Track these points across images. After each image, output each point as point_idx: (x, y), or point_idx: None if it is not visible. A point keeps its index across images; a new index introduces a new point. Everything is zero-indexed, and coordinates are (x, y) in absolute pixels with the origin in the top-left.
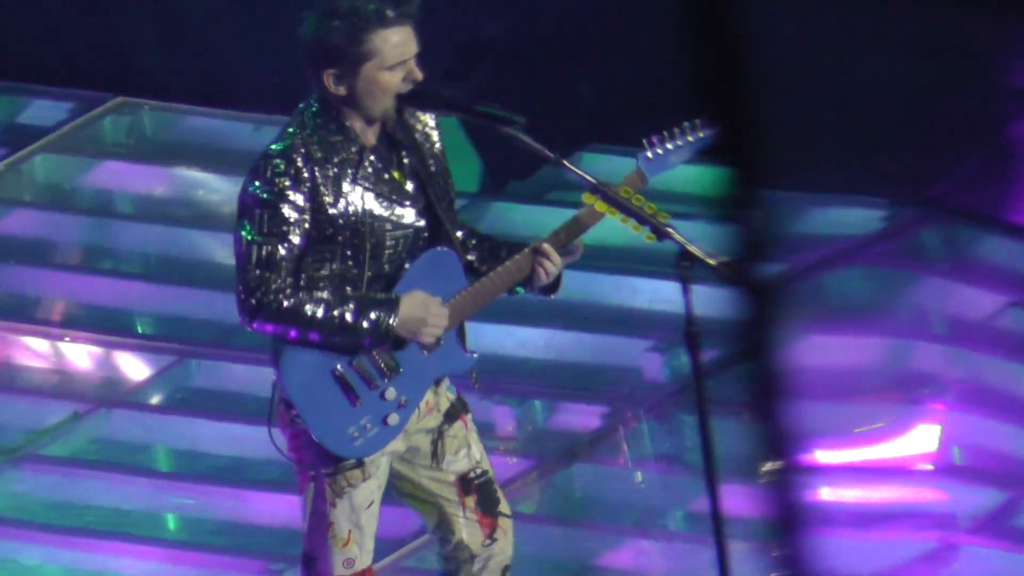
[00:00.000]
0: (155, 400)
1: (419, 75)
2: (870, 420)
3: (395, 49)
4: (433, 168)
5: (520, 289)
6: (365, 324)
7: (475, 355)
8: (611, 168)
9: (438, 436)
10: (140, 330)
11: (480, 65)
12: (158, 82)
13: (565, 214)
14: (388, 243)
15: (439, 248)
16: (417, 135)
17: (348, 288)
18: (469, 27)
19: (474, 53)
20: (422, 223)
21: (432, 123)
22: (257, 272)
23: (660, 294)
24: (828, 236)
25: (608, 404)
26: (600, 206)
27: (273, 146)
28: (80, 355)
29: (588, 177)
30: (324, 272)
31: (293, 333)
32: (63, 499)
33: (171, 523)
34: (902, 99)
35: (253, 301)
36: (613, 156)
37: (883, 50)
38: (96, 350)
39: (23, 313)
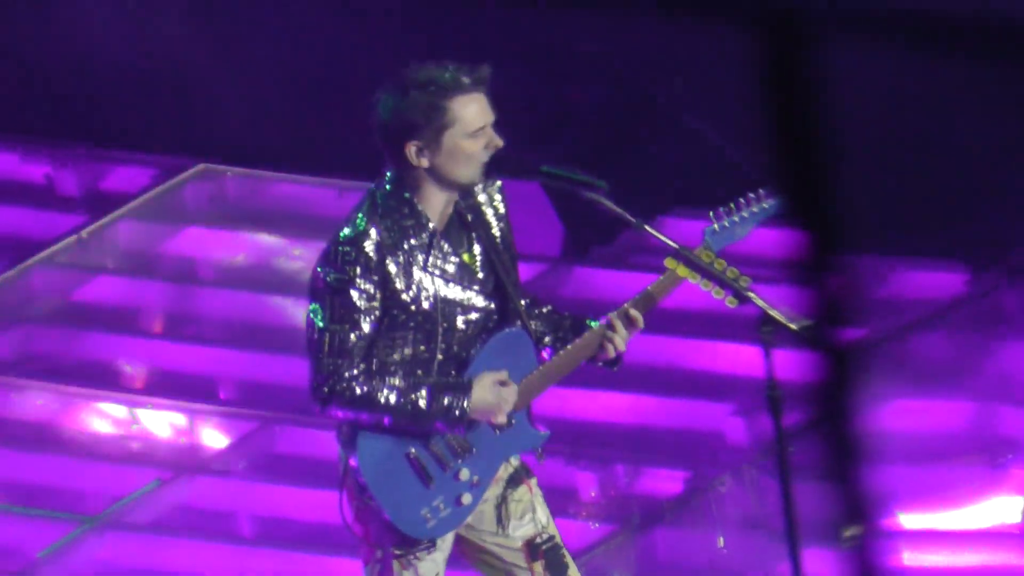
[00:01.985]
0: (238, 467)
1: (499, 141)
2: (954, 485)
3: (475, 115)
4: (500, 243)
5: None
6: (438, 409)
7: (546, 432)
8: (692, 232)
9: (502, 501)
10: (223, 397)
11: (563, 131)
12: (240, 148)
13: (647, 279)
14: (459, 326)
15: (509, 329)
16: (485, 209)
17: (420, 371)
18: (552, 93)
19: (557, 119)
20: (492, 304)
21: (498, 194)
22: (329, 360)
23: (742, 358)
24: (910, 300)
25: (690, 468)
26: (682, 271)
27: (344, 231)
28: (162, 422)
29: (670, 242)
30: (396, 356)
31: (366, 418)
32: (146, 567)
33: None
34: (984, 163)
35: (326, 389)
36: (695, 220)
37: (966, 114)
38: (179, 417)
39: (106, 380)
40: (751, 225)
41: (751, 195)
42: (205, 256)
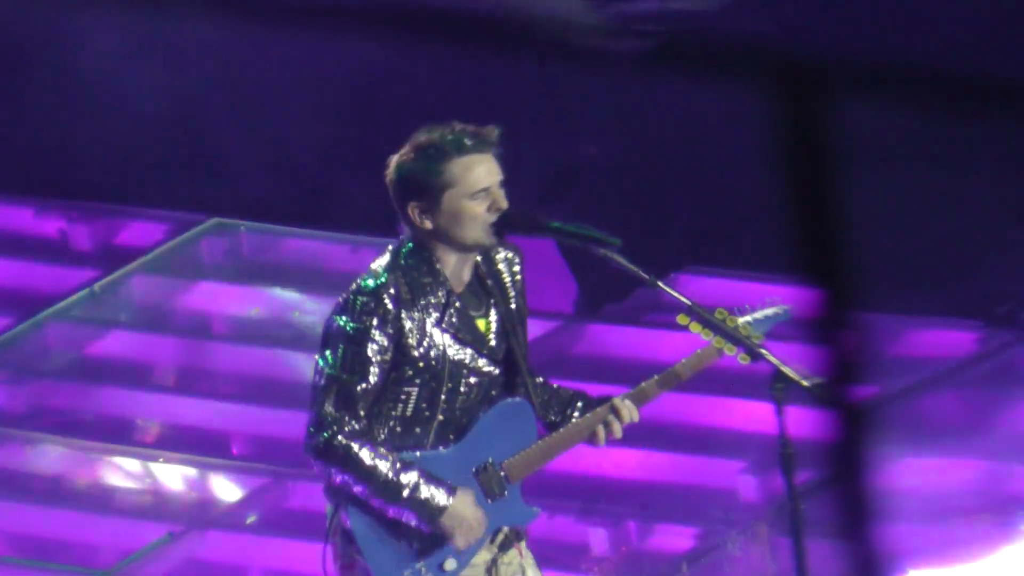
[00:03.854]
0: (250, 522)
1: (504, 203)
2: (965, 543)
3: (475, 177)
4: (515, 311)
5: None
6: (417, 498)
7: (537, 510)
8: (707, 290)
9: (492, 565)
10: (235, 452)
11: (575, 187)
12: (254, 203)
13: (660, 336)
14: (463, 389)
15: (513, 399)
16: (505, 278)
17: (418, 429)
18: (564, 149)
19: (569, 175)
20: (498, 372)
21: (518, 264)
22: (332, 409)
23: (754, 415)
24: (922, 358)
25: (703, 526)
26: (695, 328)
27: (364, 281)
28: (175, 476)
29: (683, 298)
30: (397, 412)
31: (346, 480)
32: None
33: None
34: (996, 221)
35: (322, 439)
36: (709, 278)
37: (978, 171)
38: (191, 471)
39: (119, 434)
40: (765, 328)
41: (767, 299)
42: (219, 311)
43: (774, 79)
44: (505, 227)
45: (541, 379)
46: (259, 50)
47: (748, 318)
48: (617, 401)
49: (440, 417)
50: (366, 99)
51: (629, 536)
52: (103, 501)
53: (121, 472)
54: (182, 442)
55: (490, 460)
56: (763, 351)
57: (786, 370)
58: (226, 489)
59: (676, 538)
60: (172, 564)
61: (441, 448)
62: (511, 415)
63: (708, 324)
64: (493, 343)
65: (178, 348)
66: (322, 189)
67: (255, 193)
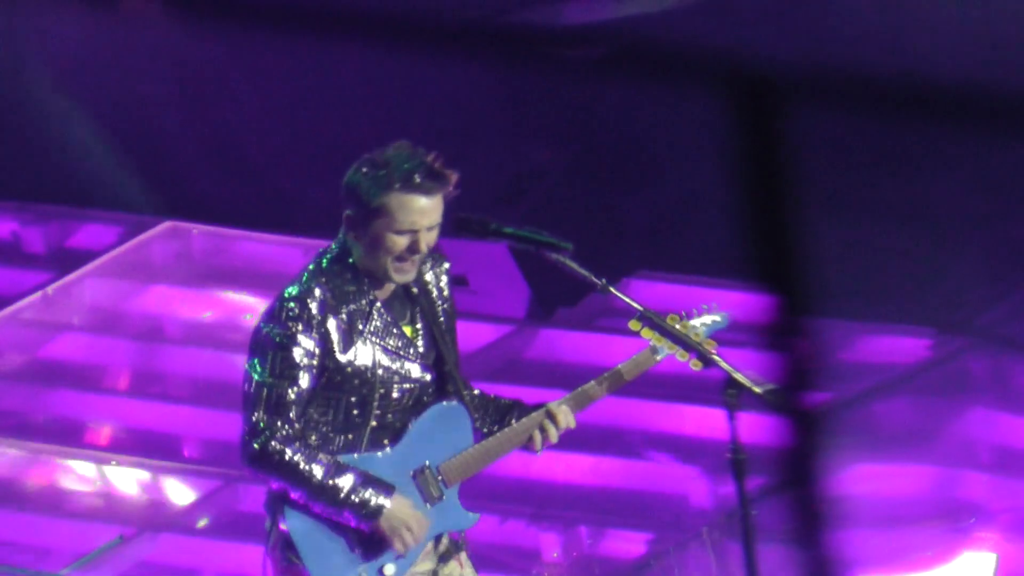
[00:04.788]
0: (201, 525)
1: (423, 248)
2: (916, 550)
3: (408, 214)
4: (443, 321)
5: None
6: (355, 500)
7: (476, 515)
8: (659, 295)
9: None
10: (187, 455)
11: (528, 192)
12: (207, 206)
13: (612, 341)
14: (395, 395)
15: (447, 402)
16: (431, 288)
17: (351, 435)
18: (518, 154)
19: (523, 180)
20: (429, 378)
21: (445, 275)
22: (264, 416)
23: (706, 421)
24: (875, 365)
25: (654, 531)
26: (647, 333)
27: (290, 288)
28: (127, 479)
29: (635, 304)
30: (328, 418)
31: (279, 485)
32: None
33: None
34: (950, 227)
35: (256, 445)
36: (661, 283)
37: (932, 179)
38: (143, 474)
39: (71, 437)
40: (702, 335)
41: (704, 306)
42: (171, 314)
43: (729, 85)
44: (461, 230)
45: (478, 391)
46: (212, 52)
47: (693, 323)
48: (553, 407)
49: (373, 423)
50: (320, 102)
51: (580, 541)
52: (54, 503)
53: (73, 474)
54: (134, 445)
55: (427, 463)
56: (715, 357)
57: (738, 376)
58: (178, 492)
59: (627, 543)
60: (124, 567)
61: (377, 452)
62: (447, 418)
63: (660, 329)
64: (421, 349)
65: (130, 351)
66: (275, 192)
67: (208, 196)
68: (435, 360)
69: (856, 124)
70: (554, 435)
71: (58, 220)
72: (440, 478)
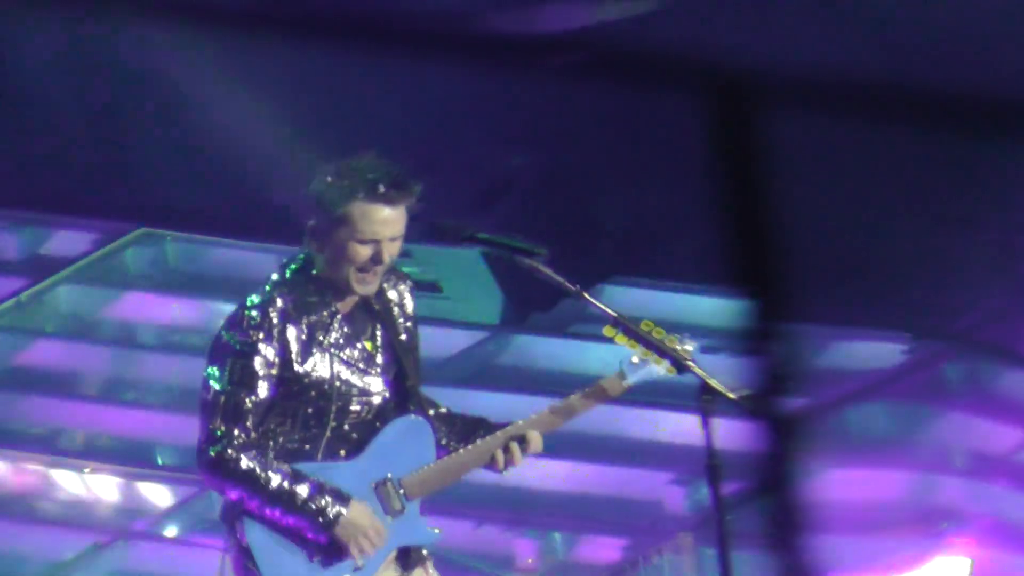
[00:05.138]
0: (177, 531)
1: (387, 259)
2: (892, 554)
3: (371, 224)
4: (405, 338)
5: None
6: (312, 508)
7: (436, 532)
8: (633, 301)
9: None
10: (162, 461)
11: (503, 197)
12: (181, 213)
13: (586, 347)
14: (353, 407)
15: (411, 417)
16: (394, 306)
17: (308, 446)
18: (494, 159)
19: (497, 185)
20: (389, 393)
21: (408, 293)
22: (222, 424)
23: (682, 427)
24: (851, 370)
25: (629, 536)
26: (621, 339)
27: (253, 297)
28: (102, 486)
29: (609, 310)
30: (285, 427)
31: (240, 495)
32: None
33: None
34: (926, 232)
35: (213, 453)
36: (635, 289)
37: (907, 182)
38: (118, 481)
39: (45, 444)
40: (676, 341)
41: (676, 336)
42: (145, 320)
43: (707, 89)
44: (436, 235)
45: (444, 409)
46: (186, 58)
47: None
48: (525, 431)
49: (328, 434)
50: (295, 108)
51: (556, 546)
52: (29, 510)
53: (47, 481)
54: (109, 451)
55: (389, 476)
56: (690, 363)
57: (713, 382)
58: (154, 498)
59: (603, 549)
60: (98, 574)
61: (336, 462)
62: (410, 432)
63: (634, 336)
64: (381, 364)
65: (105, 358)
66: (249, 199)
67: (182, 203)
68: (396, 375)
69: (834, 127)
70: (519, 458)
71: (32, 227)
72: (402, 491)
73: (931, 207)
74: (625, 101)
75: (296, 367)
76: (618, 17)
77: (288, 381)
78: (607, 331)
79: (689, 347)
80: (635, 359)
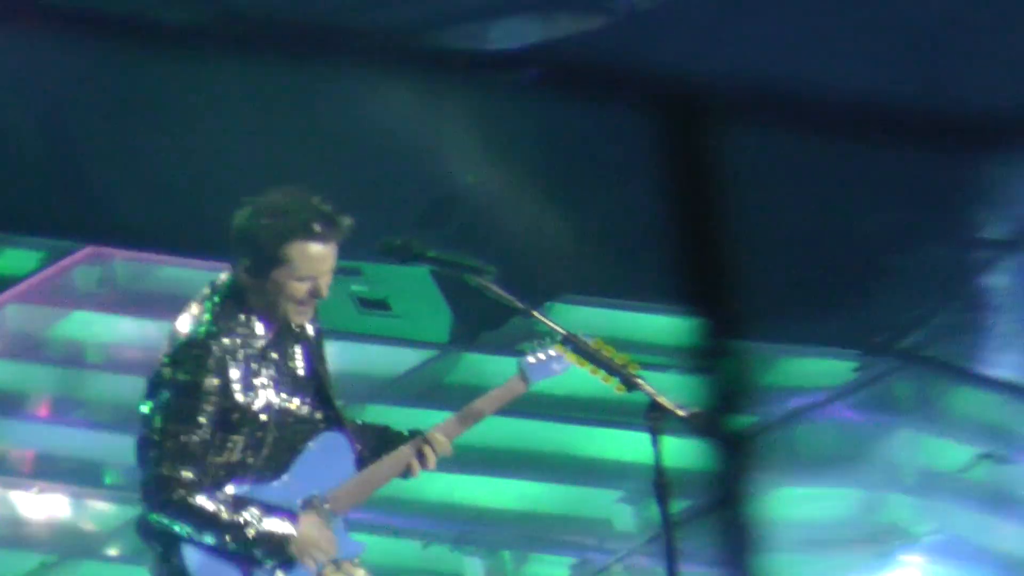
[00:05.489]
0: (123, 550)
1: (324, 294)
2: (842, 573)
3: (309, 262)
4: (319, 356)
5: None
6: (264, 531)
7: (362, 544)
8: (583, 319)
9: None
10: (109, 481)
11: (453, 215)
12: (130, 231)
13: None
14: (285, 431)
15: (331, 432)
16: (308, 325)
17: (240, 472)
18: (443, 177)
19: (448, 203)
20: (319, 415)
21: (316, 327)
22: (170, 466)
23: (630, 445)
24: (800, 387)
25: (577, 555)
26: (571, 357)
27: (188, 329)
28: (49, 506)
29: (558, 328)
30: (221, 459)
31: (192, 531)
32: None
33: None
34: (874, 249)
35: (163, 497)
36: (584, 307)
37: (858, 199)
38: (65, 500)
39: None
40: (569, 361)
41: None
42: (94, 339)
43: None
44: (384, 255)
45: (360, 421)
46: (133, 76)
47: (551, 351)
48: (435, 435)
49: (262, 461)
50: (242, 125)
51: (504, 566)
52: None
53: None
54: (56, 471)
55: (315, 493)
56: (639, 380)
57: (661, 399)
58: (101, 518)
59: (551, 567)
60: None
61: (267, 484)
62: (330, 448)
63: (584, 353)
64: (306, 385)
65: (53, 377)
66: (197, 216)
67: (130, 221)
68: (316, 392)
69: (785, 144)
70: (433, 463)
71: None
72: (327, 507)
73: (882, 223)
74: (575, 118)
75: (236, 398)
76: (568, 33)
77: (228, 411)
78: (557, 349)
79: (638, 365)
80: (532, 359)
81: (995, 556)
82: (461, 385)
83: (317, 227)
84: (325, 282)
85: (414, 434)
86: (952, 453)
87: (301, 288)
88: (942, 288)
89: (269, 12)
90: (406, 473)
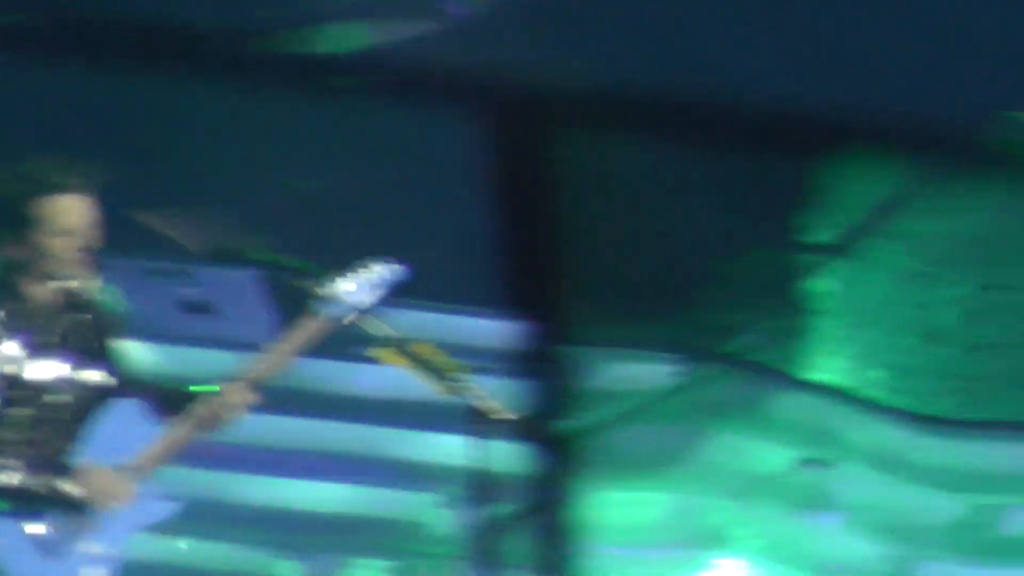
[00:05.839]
0: None
1: (95, 243)
2: (660, 574)
3: (65, 216)
4: (95, 325)
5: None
6: (56, 490)
7: (175, 503)
8: (412, 323)
9: None
10: None
11: (290, 218)
12: None
13: (365, 369)
14: (73, 402)
15: (127, 399)
16: (81, 294)
17: (32, 450)
18: (278, 181)
19: (284, 206)
20: (112, 381)
21: (88, 290)
22: None
23: (451, 448)
24: (622, 392)
25: (396, 558)
26: (401, 360)
27: None
28: None
29: (387, 332)
30: (13, 431)
31: None
32: None
33: None
34: (700, 254)
35: None
36: (414, 311)
37: (686, 203)
38: None
39: None
40: (367, 295)
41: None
42: None
43: (485, 111)
44: (211, 256)
45: (151, 386)
46: (28, 86)
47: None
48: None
49: (51, 430)
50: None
51: (321, 569)
52: None
53: None
54: None
55: (115, 460)
56: (463, 384)
57: (484, 403)
58: None
59: (369, 572)
60: None
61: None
62: (126, 415)
63: (410, 357)
64: (96, 352)
65: None
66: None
67: None
68: (110, 362)
69: (614, 150)
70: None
71: None
72: (131, 473)
73: (713, 227)
74: (406, 124)
75: (19, 374)
76: (400, 38)
77: (13, 387)
78: (383, 353)
79: (465, 369)
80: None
81: (813, 560)
82: (291, 389)
83: (69, 180)
84: (92, 234)
85: (205, 394)
86: (773, 457)
87: (66, 244)
88: (767, 293)
89: (102, 14)
90: (202, 430)
